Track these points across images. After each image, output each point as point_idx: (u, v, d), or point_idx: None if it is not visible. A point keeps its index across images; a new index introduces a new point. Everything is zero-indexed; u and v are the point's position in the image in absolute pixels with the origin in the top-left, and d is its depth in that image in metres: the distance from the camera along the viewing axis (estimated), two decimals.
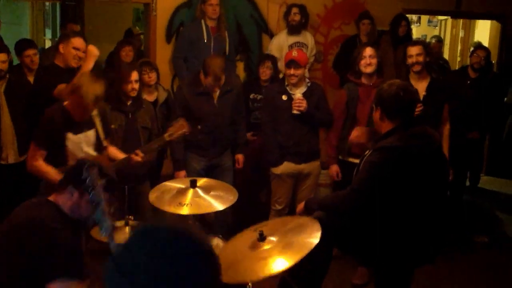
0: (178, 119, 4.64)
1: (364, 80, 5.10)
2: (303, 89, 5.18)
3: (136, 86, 4.89)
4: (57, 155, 4.13)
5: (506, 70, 7.63)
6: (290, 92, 5.18)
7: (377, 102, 3.43)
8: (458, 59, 10.69)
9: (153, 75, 5.63)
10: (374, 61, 5.03)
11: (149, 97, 5.55)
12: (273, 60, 6.08)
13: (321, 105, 5.24)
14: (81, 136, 4.23)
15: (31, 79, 5.41)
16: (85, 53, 4.79)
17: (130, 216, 3.72)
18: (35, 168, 4.08)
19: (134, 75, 4.89)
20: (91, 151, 4.32)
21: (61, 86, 4.46)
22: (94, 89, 3.98)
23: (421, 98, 5.20)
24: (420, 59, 5.19)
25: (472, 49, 6.99)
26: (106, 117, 4.54)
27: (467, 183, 6.82)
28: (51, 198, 2.83)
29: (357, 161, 4.90)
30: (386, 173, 3.25)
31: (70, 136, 4.17)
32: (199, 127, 5.20)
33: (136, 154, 4.37)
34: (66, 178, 2.84)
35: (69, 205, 2.77)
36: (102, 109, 4.49)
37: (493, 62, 8.30)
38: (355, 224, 3.37)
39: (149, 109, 5.16)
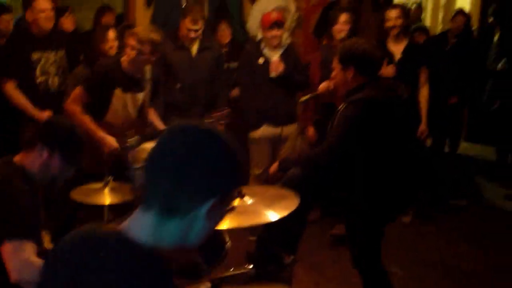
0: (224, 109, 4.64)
1: (336, 43, 5.15)
2: (279, 51, 5.21)
3: (114, 44, 4.88)
4: (99, 107, 4.20)
5: (487, 36, 7.65)
6: (267, 55, 5.20)
7: (349, 60, 3.42)
8: (440, 26, 10.69)
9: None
10: (346, 27, 5.14)
11: None
12: (227, 19, 6.09)
13: (297, 67, 5.27)
14: (128, 95, 4.28)
15: (2, 43, 5.35)
16: (54, 10, 4.77)
17: (110, 177, 3.71)
18: (72, 111, 4.16)
19: (111, 34, 4.89)
20: (133, 113, 4.37)
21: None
22: (150, 32, 4.12)
23: (396, 60, 5.34)
24: (398, 22, 5.33)
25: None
26: (158, 84, 4.61)
27: (446, 149, 6.88)
28: (16, 158, 2.72)
29: None
30: (360, 125, 3.30)
31: (118, 92, 4.21)
32: (178, 85, 5.20)
33: None
34: (35, 137, 2.74)
35: (38, 164, 2.68)
36: (156, 76, 4.56)
37: (474, 28, 8.33)
38: (330, 178, 3.42)
39: None
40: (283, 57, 5.16)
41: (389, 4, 6.94)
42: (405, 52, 5.35)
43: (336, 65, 3.50)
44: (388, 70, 5.25)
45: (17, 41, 4.95)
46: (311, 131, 5.36)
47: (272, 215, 2.81)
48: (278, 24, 5.08)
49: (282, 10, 6.47)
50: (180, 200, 1.37)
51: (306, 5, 7.09)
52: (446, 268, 4.90)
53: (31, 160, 2.69)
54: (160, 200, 1.38)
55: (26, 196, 2.56)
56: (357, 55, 3.42)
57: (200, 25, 5.12)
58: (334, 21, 5.20)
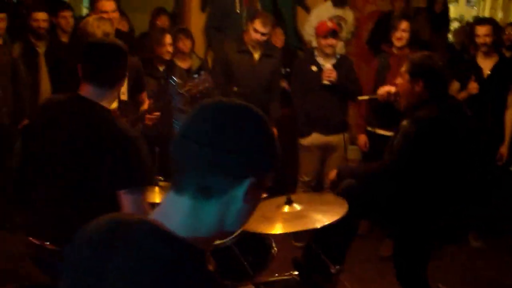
0: (202, 73, 4.62)
1: (395, 50, 5.16)
2: (332, 60, 5.20)
3: (170, 49, 4.94)
4: None
5: None
6: (320, 63, 5.19)
7: (420, 73, 3.37)
8: None
9: (188, 43, 5.63)
10: (406, 35, 5.09)
11: (183, 64, 5.57)
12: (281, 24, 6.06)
13: (350, 77, 5.25)
14: None
15: (65, 40, 5.45)
16: (115, 13, 4.67)
17: (159, 177, 3.74)
18: None
19: (168, 38, 4.95)
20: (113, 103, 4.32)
21: None
22: (101, 24, 3.96)
23: (485, 76, 5.22)
24: (488, 40, 5.19)
25: None
26: (140, 74, 4.50)
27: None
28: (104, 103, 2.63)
29: (385, 132, 5.01)
30: (423, 144, 3.24)
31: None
32: (235, 88, 5.22)
33: (149, 112, 4.29)
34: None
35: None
36: (135, 66, 4.42)
37: None
38: (385, 194, 3.37)
39: (182, 77, 5.18)
40: (337, 66, 5.15)
41: (446, 17, 6.88)
42: (494, 69, 5.23)
43: (404, 74, 3.43)
44: (472, 86, 5.16)
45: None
46: (362, 139, 5.32)
47: (321, 220, 2.80)
48: (334, 33, 5.08)
49: (339, 19, 6.45)
50: (218, 178, 1.25)
51: (360, 15, 7.05)
52: (501, 286, 4.76)
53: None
54: (196, 181, 1.26)
55: (144, 144, 2.59)
56: (429, 70, 3.36)
57: (268, 29, 5.18)
58: (394, 28, 5.15)
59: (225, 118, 1.28)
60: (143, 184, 2.51)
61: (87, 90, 2.60)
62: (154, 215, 1.32)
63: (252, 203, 1.31)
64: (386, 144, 3.55)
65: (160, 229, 1.26)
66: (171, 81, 4.44)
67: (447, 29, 7.56)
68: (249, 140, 1.28)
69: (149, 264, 1.21)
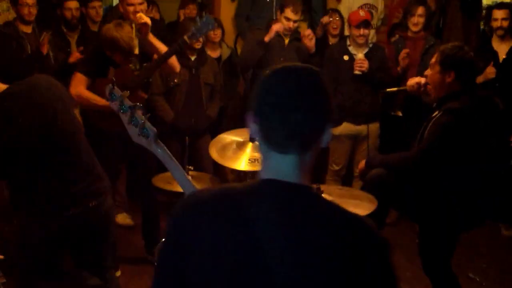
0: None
1: (410, 33, 5.31)
2: (365, 49, 5.18)
3: (200, 38, 4.93)
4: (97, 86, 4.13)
5: None
6: (352, 52, 5.18)
7: (451, 65, 3.34)
8: None
9: (218, 32, 5.66)
10: (422, 20, 5.29)
11: (213, 54, 5.60)
12: (340, 14, 6.03)
13: (382, 67, 5.22)
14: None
15: (95, 30, 5.49)
16: (142, 5, 4.55)
17: (190, 167, 3.79)
18: (80, 95, 4.08)
19: None
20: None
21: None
22: (126, 33, 4.02)
23: (500, 61, 5.18)
24: (505, 24, 5.19)
25: None
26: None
27: None
28: None
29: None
30: (456, 135, 3.24)
31: (112, 70, 4.20)
32: (266, 72, 5.19)
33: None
34: None
35: None
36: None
37: None
38: (413, 183, 3.37)
39: (213, 66, 5.21)
40: (368, 55, 5.13)
41: (479, 3, 6.79)
42: (510, 53, 5.19)
43: (434, 65, 3.41)
44: (489, 71, 5.11)
45: None
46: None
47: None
48: (366, 23, 5.08)
49: (370, 7, 6.40)
50: (314, 133, 1.47)
51: (390, 2, 6.98)
52: None
53: None
54: (297, 141, 1.45)
55: None
56: (461, 61, 3.34)
57: (299, 16, 5.20)
58: (410, 13, 5.29)
59: (302, 80, 1.49)
60: None
61: None
62: (262, 175, 1.50)
63: None
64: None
65: (283, 183, 1.46)
66: None
67: (479, 16, 7.44)
68: (325, 94, 1.50)
69: (295, 214, 1.43)
